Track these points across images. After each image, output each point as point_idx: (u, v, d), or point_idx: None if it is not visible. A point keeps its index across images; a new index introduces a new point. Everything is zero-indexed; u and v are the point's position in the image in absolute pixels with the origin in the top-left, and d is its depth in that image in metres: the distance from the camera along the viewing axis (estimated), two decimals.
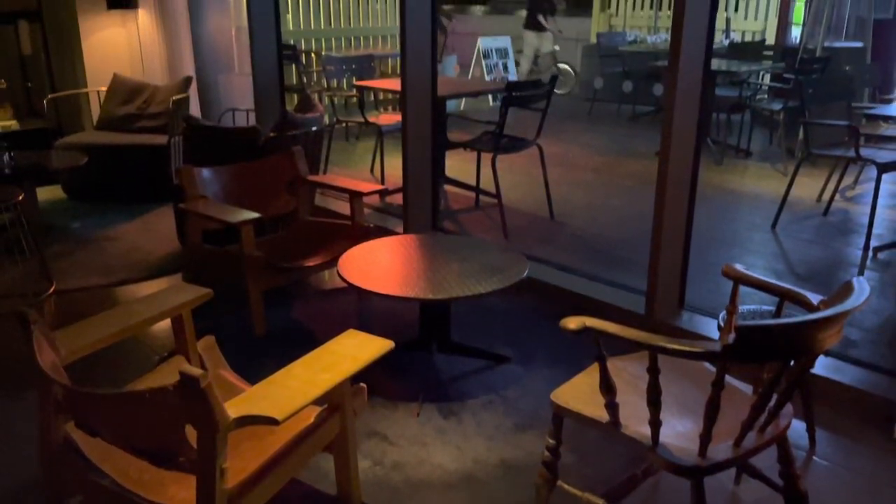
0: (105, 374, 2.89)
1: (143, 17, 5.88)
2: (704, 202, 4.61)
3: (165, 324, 2.19)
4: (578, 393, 1.95)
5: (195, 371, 1.46)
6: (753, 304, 2.61)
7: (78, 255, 4.28)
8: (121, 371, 2.95)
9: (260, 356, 3.13)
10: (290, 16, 8.64)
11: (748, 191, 5.78)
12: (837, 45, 6.82)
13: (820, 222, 4.89)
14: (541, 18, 10.16)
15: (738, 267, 2.13)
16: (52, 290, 3.63)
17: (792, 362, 1.67)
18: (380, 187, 3.89)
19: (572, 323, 1.78)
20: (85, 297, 3.74)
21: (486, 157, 4.70)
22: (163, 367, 2.22)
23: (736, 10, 10.24)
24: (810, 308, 1.90)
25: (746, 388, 2.00)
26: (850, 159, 4.56)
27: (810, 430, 2.52)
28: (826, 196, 5.13)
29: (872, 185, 4.26)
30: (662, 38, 9.76)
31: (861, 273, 4.05)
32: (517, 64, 10.26)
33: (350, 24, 9.33)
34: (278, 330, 3.38)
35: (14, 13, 5.67)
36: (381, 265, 2.95)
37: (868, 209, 4.27)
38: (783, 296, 2.03)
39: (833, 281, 3.95)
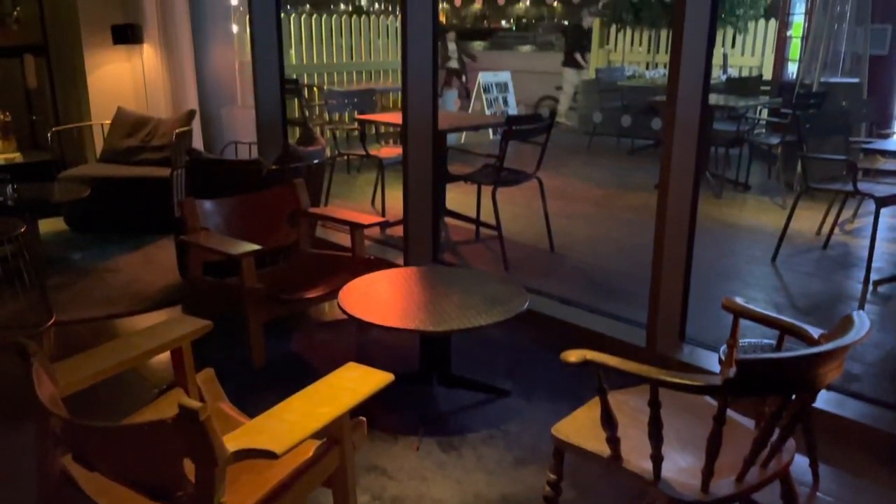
0: (103, 407, 2.87)
1: (148, 52, 5.96)
2: (704, 235, 4.62)
3: (165, 356, 2.19)
4: (579, 427, 1.94)
5: (194, 404, 1.45)
6: (754, 338, 2.60)
7: (78, 287, 4.28)
8: (119, 403, 2.93)
9: (259, 388, 3.11)
10: (292, 51, 8.77)
11: (748, 224, 5.80)
12: (834, 80, 6.89)
13: (820, 255, 4.89)
14: (577, 56, 10.52)
15: (739, 300, 2.13)
16: (51, 321, 3.63)
17: (793, 396, 1.66)
18: (380, 219, 3.91)
19: (573, 356, 1.78)
20: (84, 329, 3.73)
21: (487, 190, 4.73)
22: (161, 399, 2.20)
23: (733, 45, 10.38)
24: (811, 342, 1.90)
25: (748, 423, 1.99)
26: (848, 193, 4.58)
27: (813, 466, 2.49)
28: (825, 229, 5.14)
29: (871, 218, 4.27)
30: (660, 72, 9.89)
31: (861, 307, 4.05)
32: (556, 101, 10.48)
33: (352, 58, 9.46)
34: (278, 362, 3.37)
35: (20, 47, 5.75)
36: (381, 297, 2.95)
37: (867, 242, 4.28)
38: (784, 329, 2.03)
39: (834, 314, 3.95)
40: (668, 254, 3.14)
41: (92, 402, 2.83)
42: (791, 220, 4.71)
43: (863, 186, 4.40)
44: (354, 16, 9.63)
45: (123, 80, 6.03)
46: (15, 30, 5.78)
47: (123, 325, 3.80)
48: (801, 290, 4.32)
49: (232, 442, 1.56)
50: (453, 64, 11.49)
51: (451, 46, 11.60)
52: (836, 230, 5.15)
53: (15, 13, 5.83)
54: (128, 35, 5.76)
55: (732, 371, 1.55)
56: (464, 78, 11.69)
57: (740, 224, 5.79)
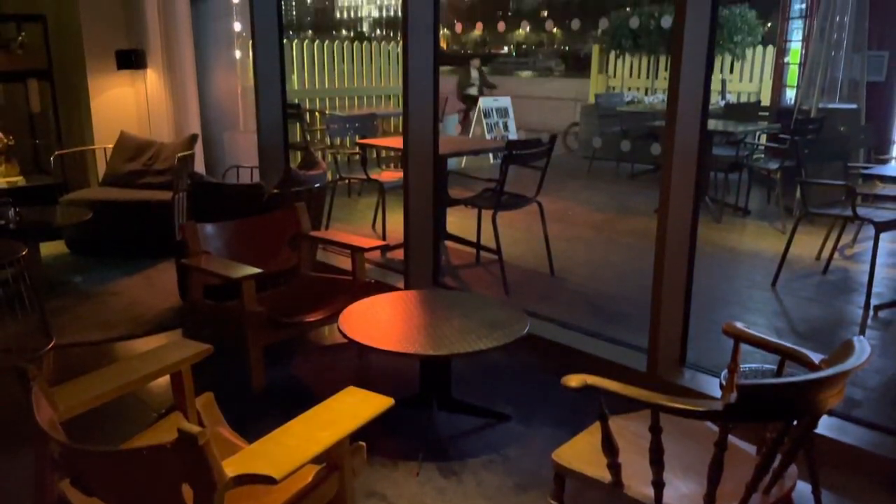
0: (102, 431, 2.86)
1: (152, 77, 6.01)
2: (704, 260, 4.63)
3: (164, 379, 2.18)
4: (580, 452, 1.93)
5: (193, 428, 1.45)
6: (755, 363, 2.60)
7: (79, 310, 4.28)
8: (118, 427, 2.91)
9: (258, 413, 3.10)
10: (295, 76, 8.85)
11: (747, 249, 5.81)
12: (832, 106, 6.95)
13: (820, 280, 4.90)
14: None
15: (739, 325, 2.13)
16: (51, 345, 3.62)
17: (795, 422, 1.66)
18: (381, 243, 3.92)
19: (573, 381, 1.77)
20: (84, 353, 3.72)
21: (487, 214, 4.74)
22: (161, 423, 2.19)
23: (731, 71, 10.47)
24: (812, 367, 1.90)
25: (750, 449, 1.98)
26: (847, 218, 4.60)
27: (816, 492, 2.47)
28: (825, 254, 5.15)
29: (871, 243, 4.28)
30: (659, 98, 9.96)
31: (862, 332, 4.04)
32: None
33: (354, 84, 9.54)
34: (277, 386, 3.36)
35: (25, 72, 5.81)
36: (381, 321, 2.95)
37: (867, 267, 4.29)
38: (784, 354, 2.03)
39: (834, 339, 3.94)
40: (669, 278, 3.14)
41: (90, 425, 2.81)
42: (791, 244, 4.72)
43: (862, 211, 4.42)
44: (356, 42, 9.73)
45: (127, 104, 6.07)
46: (20, 54, 5.84)
47: (123, 349, 3.80)
48: (801, 315, 4.32)
49: (231, 467, 1.56)
50: (473, 91, 11.15)
51: (474, 74, 11.30)
52: (836, 255, 5.15)
53: (20, 38, 5.89)
54: (132, 60, 5.82)
55: (733, 396, 1.55)
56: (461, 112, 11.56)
57: (740, 249, 5.80)
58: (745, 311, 4.38)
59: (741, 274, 5.15)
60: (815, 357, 1.93)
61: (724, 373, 2.26)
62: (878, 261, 4.25)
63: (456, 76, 11.46)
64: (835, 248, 5.09)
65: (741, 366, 2.22)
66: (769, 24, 11.38)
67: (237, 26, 6.75)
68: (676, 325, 3.22)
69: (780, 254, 4.79)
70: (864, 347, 1.68)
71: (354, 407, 1.89)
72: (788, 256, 4.74)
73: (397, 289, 4.28)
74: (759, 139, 7.87)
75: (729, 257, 5.53)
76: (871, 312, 4.24)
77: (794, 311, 4.38)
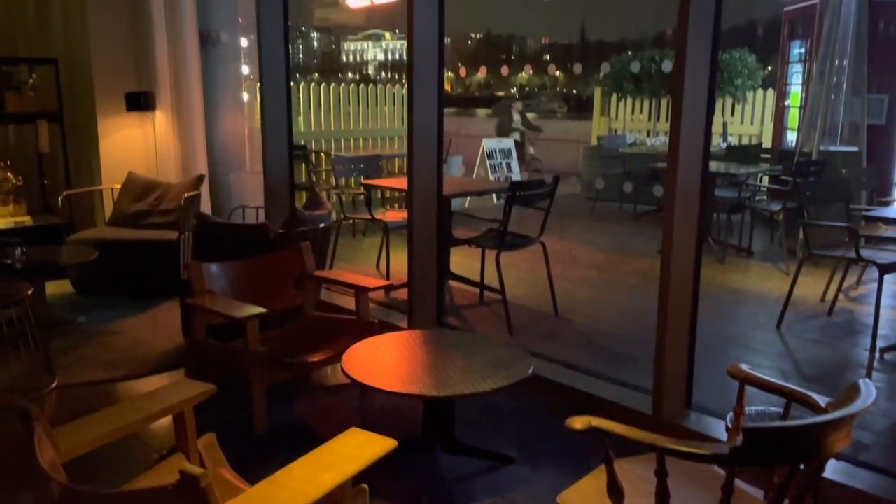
0: (103, 472, 2.84)
1: (160, 118, 6.10)
2: (708, 301, 4.63)
3: (166, 420, 2.17)
4: (585, 496, 1.91)
5: (195, 470, 1.44)
6: (761, 405, 2.58)
7: (82, 350, 4.28)
8: (119, 469, 2.89)
9: (261, 454, 3.07)
10: (301, 118, 8.96)
11: (751, 290, 5.80)
12: (833, 148, 7.00)
13: (825, 322, 4.88)
14: None
15: (744, 367, 2.12)
16: (54, 384, 3.61)
17: (802, 466, 1.64)
18: (385, 283, 3.94)
19: (578, 423, 1.76)
20: (87, 393, 3.71)
21: (491, 254, 4.76)
22: (162, 465, 2.18)
23: (732, 114, 10.59)
24: (818, 410, 1.88)
25: (757, 493, 1.95)
26: (851, 260, 4.60)
27: None
28: (829, 296, 5.14)
29: (875, 285, 4.27)
30: (661, 140, 10.05)
31: (869, 374, 4.01)
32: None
33: (359, 125, 9.66)
34: (280, 426, 3.34)
35: (35, 114, 5.90)
36: (384, 361, 2.94)
37: (872, 309, 4.27)
38: (790, 397, 2.01)
39: (841, 382, 3.91)
40: (673, 319, 3.14)
41: (91, 467, 2.80)
42: (795, 286, 4.71)
43: (865, 253, 4.42)
44: (362, 84, 9.87)
45: (135, 145, 6.15)
46: (31, 96, 5.94)
47: (126, 389, 3.78)
48: (806, 357, 4.29)
49: None
50: (515, 136, 10.58)
51: (516, 117, 10.75)
52: (841, 296, 5.14)
53: (31, 80, 6.00)
54: (141, 102, 5.91)
55: (739, 439, 1.54)
56: (531, 151, 10.63)
57: (744, 290, 5.79)
58: (751, 352, 4.36)
59: (746, 315, 5.14)
60: (822, 400, 1.92)
61: (730, 415, 2.24)
62: (883, 303, 4.24)
63: (494, 119, 11.14)
64: (839, 289, 5.08)
65: (747, 408, 2.20)
66: (769, 68, 11.55)
67: (245, 69, 6.87)
68: (681, 366, 3.20)
69: (784, 295, 4.77)
70: (870, 390, 1.67)
71: (357, 449, 1.88)
72: (793, 298, 4.73)
73: (401, 328, 4.27)
74: (760, 181, 7.92)
75: (733, 298, 5.51)
76: (878, 355, 4.22)
77: (799, 353, 4.35)
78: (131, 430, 2.02)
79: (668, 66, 9.67)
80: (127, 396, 3.67)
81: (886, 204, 6.21)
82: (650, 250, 6.90)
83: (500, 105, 12.17)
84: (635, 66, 10.62)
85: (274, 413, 3.41)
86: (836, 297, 5.06)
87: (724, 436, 2.91)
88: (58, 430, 1.89)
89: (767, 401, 2.70)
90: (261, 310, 3.17)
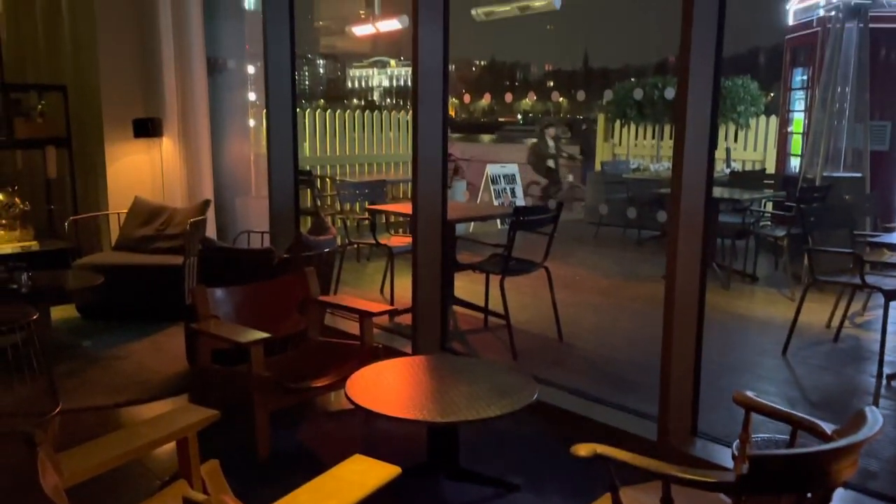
0: (106, 498, 2.82)
1: (167, 144, 6.15)
2: (714, 326, 4.61)
3: (169, 446, 2.16)
4: None
5: (198, 497, 1.44)
6: (768, 432, 2.56)
7: (86, 374, 4.28)
8: (122, 495, 2.88)
9: (264, 481, 3.06)
10: (307, 143, 9.03)
11: (757, 316, 5.78)
12: (836, 174, 7.02)
13: (830, 349, 4.85)
14: None
15: (750, 394, 2.11)
16: (57, 409, 3.61)
17: (809, 494, 1.63)
18: (389, 308, 3.94)
19: (583, 450, 1.75)
20: (90, 418, 3.70)
21: (495, 279, 4.76)
22: (165, 491, 2.17)
23: (735, 140, 10.63)
24: (824, 437, 1.87)
25: None
26: (856, 286, 4.59)
27: None
28: (835, 322, 5.11)
29: (881, 311, 4.26)
30: (665, 165, 10.08)
31: (875, 401, 3.98)
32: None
33: (364, 151, 9.73)
34: (283, 452, 3.32)
35: (44, 140, 5.96)
36: (388, 387, 2.93)
37: (878, 336, 4.25)
38: (796, 424, 2.00)
39: (848, 409, 3.88)
40: (678, 345, 3.13)
41: (95, 492, 2.78)
42: (800, 312, 4.69)
43: (870, 279, 4.41)
44: (367, 110, 9.96)
45: (142, 170, 6.20)
46: (40, 123, 6.01)
47: (129, 414, 3.77)
48: (813, 384, 4.27)
49: None
50: (551, 163, 10.09)
51: (550, 144, 10.20)
52: (847, 323, 5.12)
53: (40, 107, 6.07)
54: (148, 128, 5.97)
55: (746, 467, 1.53)
56: (569, 178, 9.98)
57: (749, 316, 5.78)
58: (757, 379, 4.33)
59: (751, 341, 5.12)
60: (828, 427, 1.90)
61: (736, 443, 2.22)
62: (889, 329, 4.22)
63: (527, 146, 10.56)
64: (845, 315, 5.06)
65: (753, 436, 2.19)
66: (772, 95, 11.62)
67: (252, 96, 6.95)
68: (687, 392, 3.18)
69: (789, 321, 4.75)
70: (876, 418, 1.66)
71: (361, 476, 1.87)
72: (798, 324, 4.71)
73: (405, 353, 4.26)
74: (764, 206, 7.93)
75: (738, 324, 5.50)
76: (884, 381, 4.19)
77: (805, 380, 4.33)
78: (134, 455, 2.01)
79: (670, 93, 9.74)
80: (130, 422, 3.66)
81: (891, 230, 6.21)
82: (654, 275, 6.89)
83: (534, 131, 11.56)
84: (638, 93, 10.70)
85: (277, 439, 3.39)
86: (841, 324, 5.04)
87: (730, 463, 2.88)
88: (61, 455, 1.89)
89: (774, 428, 2.68)
90: (264, 335, 3.17)
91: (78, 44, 6.13)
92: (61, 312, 5.37)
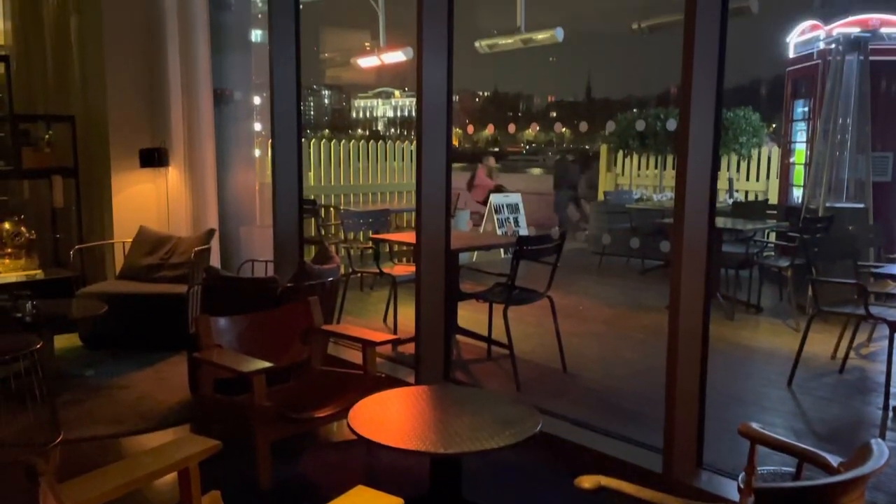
0: None
1: (173, 174, 6.20)
2: (718, 357, 4.59)
3: (171, 476, 2.15)
4: None
5: None
6: (773, 464, 2.54)
7: (89, 404, 4.26)
8: None
9: None
10: (311, 173, 9.10)
11: (761, 346, 5.75)
12: (839, 205, 7.04)
13: (836, 380, 4.82)
14: None
15: (755, 426, 2.10)
16: (59, 439, 3.59)
17: None
18: (392, 337, 3.94)
19: (587, 482, 1.74)
20: (92, 448, 3.68)
21: (498, 308, 4.76)
22: None
23: (738, 171, 10.68)
24: (830, 470, 1.85)
25: None
26: (861, 317, 4.57)
27: None
28: (840, 353, 5.09)
29: (886, 342, 4.24)
30: (668, 195, 10.13)
31: (882, 434, 3.95)
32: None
33: (369, 180, 9.79)
34: (285, 483, 3.29)
35: (51, 169, 6.01)
36: (391, 417, 2.92)
37: (884, 367, 4.23)
38: (802, 457, 1.99)
39: (855, 441, 3.84)
40: (682, 376, 3.12)
41: None
42: (805, 342, 4.67)
43: (875, 310, 4.40)
44: (372, 140, 10.04)
45: (147, 200, 6.24)
46: (47, 152, 6.06)
47: (131, 444, 3.76)
48: (819, 416, 4.23)
49: None
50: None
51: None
52: (852, 354, 5.09)
53: (47, 136, 6.14)
54: (154, 158, 6.02)
55: (752, 500, 1.52)
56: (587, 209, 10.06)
57: (754, 346, 5.75)
58: (762, 410, 4.30)
59: (756, 372, 5.09)
60: (834, 460, 1.89)
61: (742, 475, 2.21)
62: (895, 360, 4.19)
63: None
64: (850, 346, 5.03)
65: (759, 468, 2.17)
66: (773, 126, 11.69)
67: (257, 126, 7.01)
68: (692, 424, 3.16)
69: (794, 351, 4.73)
70: (882, 450, 1.65)
71: None
72: (803, 355, 4.68)
73: (408, 383, 4.25)
74: (767, 237, 7.94)
75: (743, 355, 5.47)
76: (890, 413, 4.16)
77: (811, 412, 4.30)
78: (136, 486, 2.00)
79: (672, 125, 9.81)
80: (132, 452, 3.64)
81: (894, 261, 6.20)
82: (658, 305, 6.88)
83: (559, 161, 11.91)
84: (640, 125, 10.78)
85: (279, 469, 3.37)
86: (847, 355, 5.01)
87: (735, 496, 2.85)
88: (63, 485, 1.88)
89: (780, 460, 2.65)
90: (267, 364, 3.17)
91: (87, 75, 6.21)
92: (65, 341, 5.37)
